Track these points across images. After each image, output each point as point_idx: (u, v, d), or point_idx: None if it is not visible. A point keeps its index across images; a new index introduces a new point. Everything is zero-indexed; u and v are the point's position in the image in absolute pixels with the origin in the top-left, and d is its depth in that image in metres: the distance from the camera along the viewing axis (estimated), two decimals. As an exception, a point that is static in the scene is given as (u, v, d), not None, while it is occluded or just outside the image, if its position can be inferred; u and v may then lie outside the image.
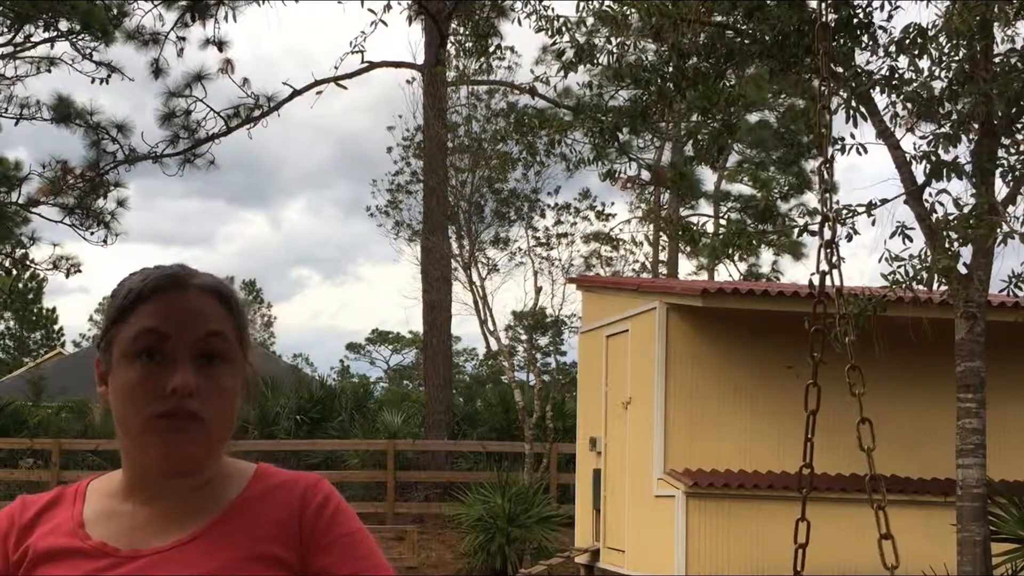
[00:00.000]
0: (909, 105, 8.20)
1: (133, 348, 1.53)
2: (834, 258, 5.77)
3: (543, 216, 20.67)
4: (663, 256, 28.11)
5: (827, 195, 5.97)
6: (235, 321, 1.59)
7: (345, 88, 17.64)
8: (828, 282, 5.77)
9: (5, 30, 15.80)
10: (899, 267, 7.83)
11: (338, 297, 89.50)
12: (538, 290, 19.19)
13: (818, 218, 5.97)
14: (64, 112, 15.72)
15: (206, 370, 1.53)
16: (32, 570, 1.54)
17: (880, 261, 7.89)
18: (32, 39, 16.03)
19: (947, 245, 7.65)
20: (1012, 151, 8.17)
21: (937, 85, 8.13)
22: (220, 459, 1.60)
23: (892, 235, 7.95)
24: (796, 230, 9.61)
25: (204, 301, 1.57)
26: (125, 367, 1.53)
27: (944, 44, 8.00)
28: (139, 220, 74.67)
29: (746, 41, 8.90)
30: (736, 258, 26.49)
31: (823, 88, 6.12)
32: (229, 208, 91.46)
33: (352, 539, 1.56)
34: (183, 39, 16.44)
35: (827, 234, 5.80)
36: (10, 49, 15.94)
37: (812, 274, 5.91)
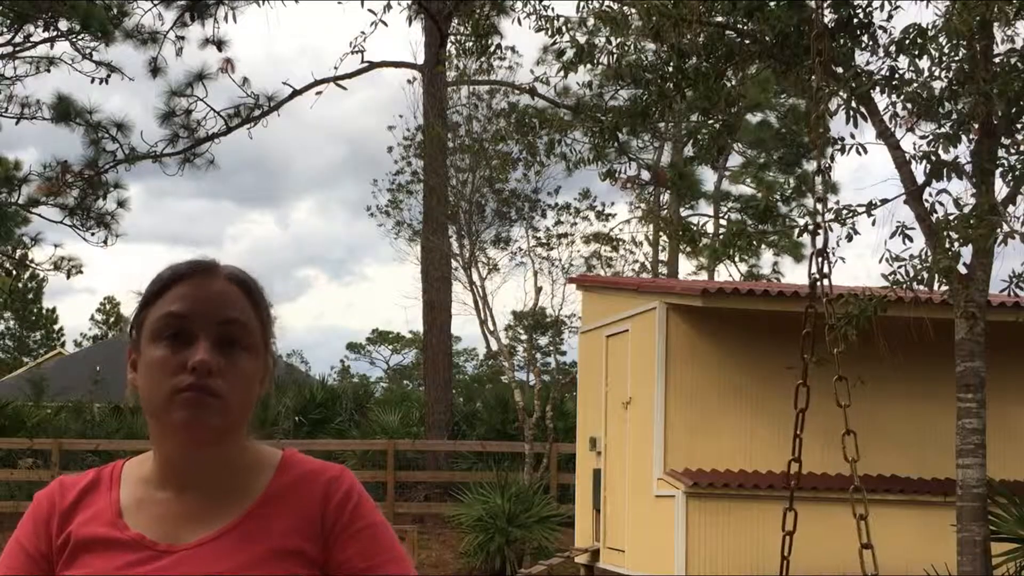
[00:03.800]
0: (909, 105, 8.20)
1: (158, 329, 1.60)
2: (826, 268, 5.81)
3: (543, 216, 20.67)
4: (663, 256, 28.11)
5: (820, 205, 6.00)
6: (258, 312, 1.66)
7: (344, 88, 17.62)
8: (824, 286, 5.80)
9: (5, 30, 15.81)
10: (899, 267, 7.83)
11: (344, 297, 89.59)
12: (538, 290, 19.19)
13: (812, 227, 6.00)
14: (64, 111, 15.72)
15: (227, 354, 1.59)
16: (73, 557, 1.60)
17: (880, 261, 7.90)
18: (32, 39, 16.03)
19: (947, 245, 7.65)
20: (1012, 151, 8.17)
21: (937, 85, 8.13)
22: (244, 443, 1.66)
23: (892, 235, 7.96)
24: (796, 231, 9.60)
25: (228, 289, 1.64)
26: (151, 348, 1.60)
27: (944, 44, 8.00)
28: (147, 220, 74.79)
29: (746, 41, 8.90)
30: (736, 259, 26.48)
31: (820, 94, 6.13)
32: (237, 208, 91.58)
33: (373, 532, 1.62)
34: (182, 38, 16.44)
35: (819, 243, 5.85)
36: (10, 49, 15.94)
37: (810, 275, 5.94)
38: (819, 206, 6.00)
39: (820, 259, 5.87)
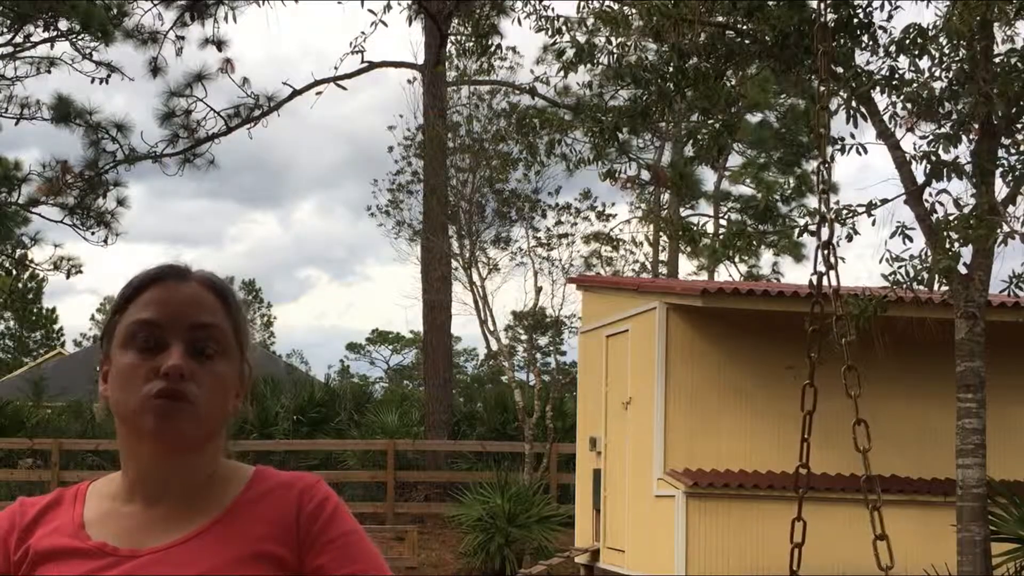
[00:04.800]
0: (909, 105, 8.20)
1: (129, 335, 1.57)
2: (832, 259, 5.78)
3: (544, 216, 20.67)
4: (663, 256, 28.11)
5: (825, 196, 5.99)
6: (231, 317, 1.62)
7: (344, 88, 17.65)
8: (826, 282, 5.78)
9: (5, 30, 15.81)
10: (900, 267, 7.84)
11: (345, 297, 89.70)
12: (538, 290, 19.19)
13: (818, 218, 5.98)
14: (64, 112, 15.72)
15: (201, 360, 1.56)
16: (32, 570, 1.56)
17: (881, 262, 7.90)
18: (32, 39, 16.04)
19: (947, 245, 7.65)
20: (1012, 151, 8.17)
21: (937, 85, 8.13)
22: (218, 458, 1.62)
23: (892, 235, 7.96)
24: (796, 231, 9.62)
25: (200, 293, 1.60)
26: (122, 355, 1.57)
27: (944, 44, 8.00)
28: (149, 220, 74.79)
29: (746, 41, 8.90)
30: (736, 259, 26.48)
31: (822, 88, 6.12)
32: (239, 208, 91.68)
33: (348, 540, 1.57)
34: (182, 38, 16.44)
35: (825, 235, 5.82)
36: (10, 49, 15.94)
37: (812, 274, 5.92)
38: (823, 198, 5.96)
39: (826, 251, 5.81)
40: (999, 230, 7.64)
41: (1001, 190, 8.04)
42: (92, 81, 15.87)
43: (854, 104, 8.18)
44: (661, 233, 26.94)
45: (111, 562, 1.53)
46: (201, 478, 1.59)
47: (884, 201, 8.18)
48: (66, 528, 1.58)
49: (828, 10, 7.79)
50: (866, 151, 8.32)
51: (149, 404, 1.52)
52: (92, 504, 1.61)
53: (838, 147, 8.23)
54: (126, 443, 1.59)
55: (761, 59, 9.06)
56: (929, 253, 7.78)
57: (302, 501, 1.58)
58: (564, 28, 9.18)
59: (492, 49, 10.66)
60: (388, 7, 10.61)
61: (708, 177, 28.41)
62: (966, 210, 7.83)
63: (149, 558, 1.52)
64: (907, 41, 8.06)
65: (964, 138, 8.00)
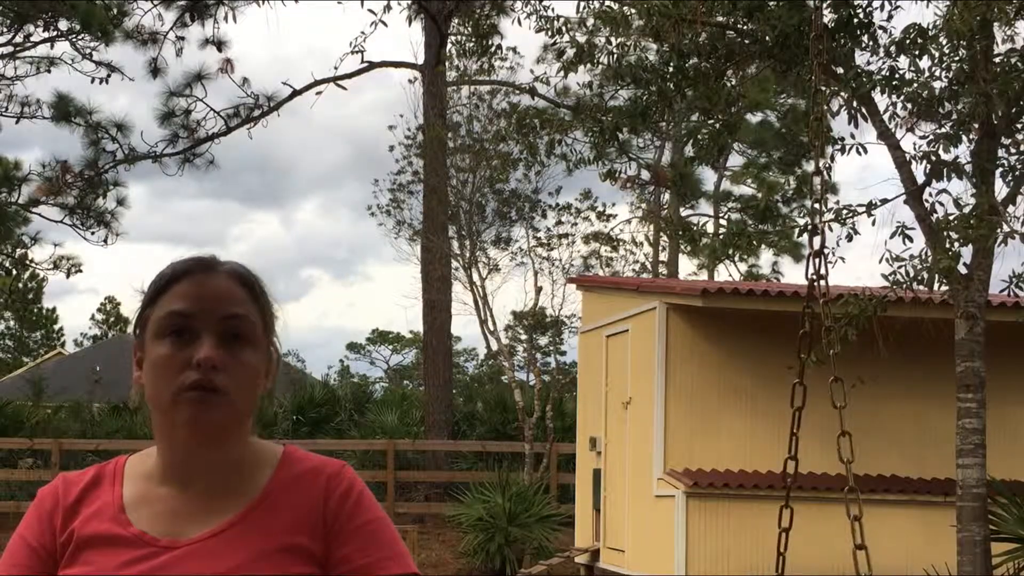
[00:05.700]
0: (909, 105, 8.20)
1: (162, 327, 1.63)
2: (824, 269, 5.85)
3: (544, 216, 20.67)
4: (663, 256, 28.11)
5: (816, 206, 6.03)
6: (259, 306, 1.68)
7: (344, 88, 17.64)
8: (821, 287, 5.82)
9: (5, 30, 15.82)
10: (900, 267, 7.84)
11: (347, 297, 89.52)
12: (538, 290, 19.20)
13: (809, 228, 6.03)
14: (64, 110, 15.73)
15: (231, 350, 1.61)
16: (77, 554, 1.62)
17: (881, 262, 7.90)
18: (32, 39, 16.05)
19: (947, 245, 7.65)
20: (1012, 151, 8.17)
21: (937, 85, 8.13)
22: (247, 439, 1.67)
23: (892, 235, 7.96)
24: (796, 231, 9.63)
25: (229, 284, 1.66)
26: (155, 345, 1.62)
27: (944, 44, 8.00)
28: (151, 220, 74.60)
29: (746, 41, 8.90)
30: (736, 259, 26.49)
31: (818, 96, 6.13)
32: (241, 208, 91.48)
33: (373, 527, 1.63)
34: (182, 39, 16.45)
35: (816, 244, 5.88)
36: (10, 49, 15.95)
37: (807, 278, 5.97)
38: (817, 207, 6.02)
39: (817, 260, 5.91)
40: (999, 230, 7.64)
41: (1001, 190, 8.05)
42: (92, 81, 15.90)
43: (854, 104, 8.18)
44: (661, 233, 26.94)
45: (150, 552, 1.59)
46: (231, 462, 1.64)
47: (884, 201, 8.18)
48: (107, 511, 1.63)
49: (827, 10, 7.80)
50: (866, 151, 8.33)
51: (183, 396, 1.58)
52: (130, 484, 1.67)
53: (838, 147, 8.23)
54: (160, 429, 1.64)
55: (761, 59, 9.05)
56: (929, 253, 7.78)
57: (329, 489, 1.64)
58: (564, 28, 9.18)
59: (492, 49, 10.66)
60: (388, 7, 10.63)
61: (708, 177, 28.42)
62: (966, 210, 7.83)
63: (186, 550, 1.58)
64: (907, 41, 8.06)
65: (964, 138, 8.00)
